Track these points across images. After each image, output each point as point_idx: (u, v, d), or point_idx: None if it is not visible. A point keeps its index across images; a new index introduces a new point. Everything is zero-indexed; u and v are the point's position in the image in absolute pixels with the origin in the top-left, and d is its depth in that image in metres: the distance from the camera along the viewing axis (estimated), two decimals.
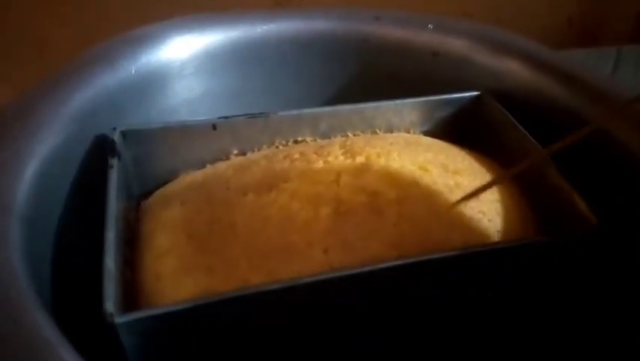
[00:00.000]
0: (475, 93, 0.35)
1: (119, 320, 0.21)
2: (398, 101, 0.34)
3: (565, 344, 0.29)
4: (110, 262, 0.22)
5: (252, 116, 0.31)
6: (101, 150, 0.28)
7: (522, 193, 0.31)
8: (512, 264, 0.26)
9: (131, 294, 0.25)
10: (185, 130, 0.30)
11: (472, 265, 0.25)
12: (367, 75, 0.38)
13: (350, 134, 0.34)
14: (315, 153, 0.30)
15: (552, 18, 0.60)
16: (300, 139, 0.33)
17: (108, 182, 0.26)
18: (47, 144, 0.25)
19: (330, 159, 0.29)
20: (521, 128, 0.32)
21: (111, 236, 0.23)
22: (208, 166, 0.31)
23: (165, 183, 0.31)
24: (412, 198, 0.27)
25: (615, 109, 0.27)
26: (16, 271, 0.20)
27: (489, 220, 0.28)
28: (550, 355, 0.29)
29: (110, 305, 0.21)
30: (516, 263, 0.26)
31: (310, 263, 0.25)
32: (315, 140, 0.33)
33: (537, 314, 0.28)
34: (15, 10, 0.50)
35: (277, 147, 0.33)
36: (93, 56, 0.30)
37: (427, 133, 0.35)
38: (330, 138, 0.33)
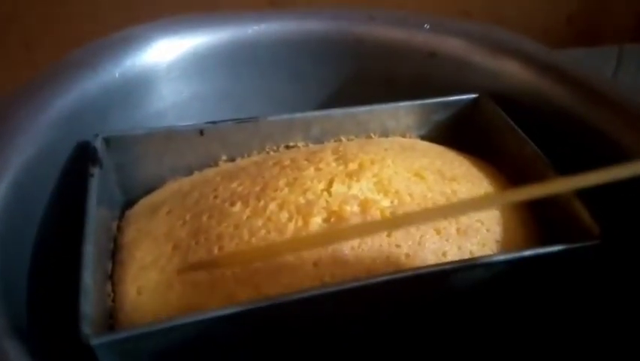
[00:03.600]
0: (473, 96, 0.33)
1: (96, 341, 0.20)
2: (393, 105, 0.33)
3: (567, 358, 0.28)
4: (88, 278, 0.21)
5: (241, 121, 0.30)
6: (83, 158, 0.27)
7: (523, 202, 0.29)
8: (511, 276, 0.25)
9: (113, 310, 0.24)
10: (171, 136, 0.29)
11: (469, 277, 0.24)
12: (362, 77, 0.37)
13: (343, 139, 0.33)
14: (307, 160, 0.29)
15: (552, 16, 0.58)
16: (291, 144, 0.32)
17: (88, 192, 0.25)
18: (23, 154, 0.24)
19: (321, 165, 0.28)
20: (520, 132, 0.31)
21: (89, 250, 0.22)
22: (196, 173, 0.30)
23: (151, 190, 0.30)
24: (406, 207, 0.26)
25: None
26: None
27: (487, 230, 0.27)
28: None
29: (86, 326, 0.20)
30: (515, 275, 0.25)
31: (300, 277, 0.24)
32: (307, 145, 0.32)
33: (538, 328, 0.27)
34: (1, 11, 0.49)
35: (268, 153, 0.31)
36: (74, 59, 0.29)
37: (423, 137, 0.34)
38: (322, 142, 0.32)
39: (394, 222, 0.23)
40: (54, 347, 0.21)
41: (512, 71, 0.34)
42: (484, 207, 0.26)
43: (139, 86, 0.31)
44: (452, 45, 0.35)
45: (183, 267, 0.23)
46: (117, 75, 0.29)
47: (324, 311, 0.23)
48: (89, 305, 0.21)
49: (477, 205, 0.23)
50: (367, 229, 0.23)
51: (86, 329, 0.20)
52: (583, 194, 0.26)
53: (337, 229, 0.24)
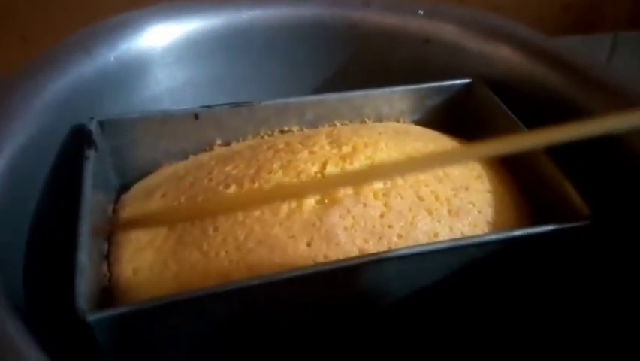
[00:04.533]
0: (467, 81, 0.34)
1: (92, 317, 0.20)
2: (387, 89, 0.33)
3: (557, 339, 0.28)
4: (84, 256, 0.22)
5: (236, 105, 0.31)
6: (78, 142, 0.27)
7: (515, 184, 0.30)
8: (501, 256, 0.25)
9: (108, 289, 0.24)
10: (166, 120, 0.29)
11: (459, 257, 0.25)
12: (357, 62, 0.37)
13: (338, 124, 0.33)
14: (301, 143, 0.29)
15: (547, 4, 0.58)
16: (286, 129, 0.32)
17: (84, 174, 0.25)
18: (19, 136, 0.24)
19: (315, 149, 0.28)
20: (513, 116, 0.31)
21: (85, 230, 0.23)
22: (190, 157, 0.31)
23: (146, 174, 0.30)
24: (398, 188, 0.26)
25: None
26: None
27: (479, 211, 0.27)
28: (542, 351, 0.28)
29: (82, 302, 0.20)
30: (505, 255, 0.26)
31: (293, 256, 0.24)
32: (301, 130, 0.32)
33: (528, 309, 0.28)
34: None
35: (262, 137, 0.32)
36: (69, 44, 0.29)
37: (417, 122, 0.34)
38: (317, 127, 0.32)
39: (370, 174, 0.23)
40: (51, 326, 0.21)
41: (506, 57, 0.34)
42: (455, 161, 0.25)
43: (134, 70, 0.31)
44: (446, 31, 0.36)
45: (120, 222, 0.23)
46: (112, 59, 0.30)
47: (315, 291, 0.23)
48: (85, 283, 0.21)
49: (449, 159, 0.23)
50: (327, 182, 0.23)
51: (83, 305, 0.20)
52: (573, 175, 0.27)
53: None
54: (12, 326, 0.19)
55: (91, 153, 0.26)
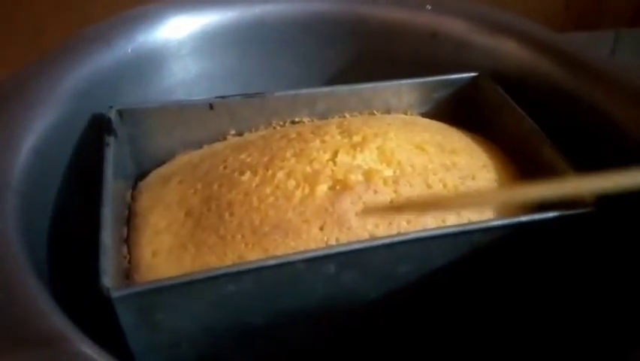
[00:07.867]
0: (473, 74, 0.34)
1: (116, 293, 0.21)
2: (396, 82, 0.34)
3: (559, 326, 0.29)
4: (107, 237, 0.23)
5: (249, 96, 0.31)
6: (98, 129, 0.28)
7: (520, 173, 0.31)
8: (506, 242, 0.26)
9: (128, 271, 0.25)
10: (182, 109, 0.30)
11: (466, 242, 0.25)
12: (365, 56, 0.38)
13: (347, 115, 0.34)
14: (312, 133, 0.30)
15: (550, 1, 0.59)
16: (297, 120, 0.33)
17: (105, 160, 0.26)
18: (44, 121, 0.25)
19: (326, 138, 0.29)
20: (519, 109, 0.32)
21: (107, 212, 0.23)
22: (205, 147, 0.31)
23: (162, 163, 0.31)
24: (408, 176, 0.27)
25: None
26: (13, 244, 0.20)
27: None
28: (543, 337, 0.29)
29: (106, 280, 0.21)
30: (510, 241, 0.26)
31: (306, 240, 0.25)
32: (312, 120, 0.33)
33: (531, 295, 0.29)
34: None
35: (274, 128, 0.33)
36: (89, 34, 0.30)
37: (425, 114, 0.35)
38: (327, 118, 0.33)
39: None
40: (75, 304, 0.22)
41: (511, 51, 0.35)
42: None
43: (150, 62, 0.32)
44: (453, 25, 0.36)
45: (366, 209, 0.25)
46: (130, 51, 0.31)
47: (327, 273, 0.24)
48: (109, 263, 0.22)
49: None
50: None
51: (107, 282, 0.21)
52: (577, 163, 0.28)
53: None
54: (45, 302, 0.19)
55: (111, 140, 0.27)
